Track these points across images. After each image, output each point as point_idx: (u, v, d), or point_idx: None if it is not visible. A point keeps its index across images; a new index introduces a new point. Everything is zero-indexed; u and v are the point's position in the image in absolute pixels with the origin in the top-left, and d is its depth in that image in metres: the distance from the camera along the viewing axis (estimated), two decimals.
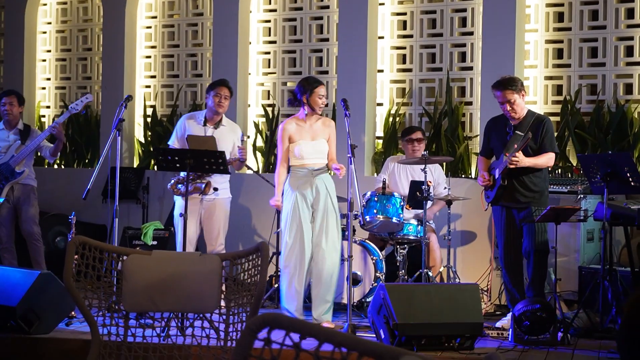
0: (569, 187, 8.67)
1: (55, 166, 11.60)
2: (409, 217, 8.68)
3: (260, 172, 10.38)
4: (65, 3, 11.87)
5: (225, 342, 4.85)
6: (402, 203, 8.44)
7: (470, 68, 9.90)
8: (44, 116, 11.90)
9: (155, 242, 9.73)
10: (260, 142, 10.66)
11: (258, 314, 4.25)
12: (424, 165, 8.30)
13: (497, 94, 7.76)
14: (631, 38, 9.35)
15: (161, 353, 4.89)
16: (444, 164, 9.47)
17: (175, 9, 11.27)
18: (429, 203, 8.64)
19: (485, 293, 8.84)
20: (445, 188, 8.93)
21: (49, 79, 11.94)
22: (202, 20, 11.13)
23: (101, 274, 4.90)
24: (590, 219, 8.14)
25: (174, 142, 8.51)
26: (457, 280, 8.78)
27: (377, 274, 8.52)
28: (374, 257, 8.57)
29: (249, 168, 10.03)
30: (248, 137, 10.64)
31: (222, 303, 5.03)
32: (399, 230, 8.56)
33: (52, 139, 9.21)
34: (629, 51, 9.38)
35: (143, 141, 11.23)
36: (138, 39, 11.36)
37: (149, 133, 11.13)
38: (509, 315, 7.46)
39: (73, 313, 7.74)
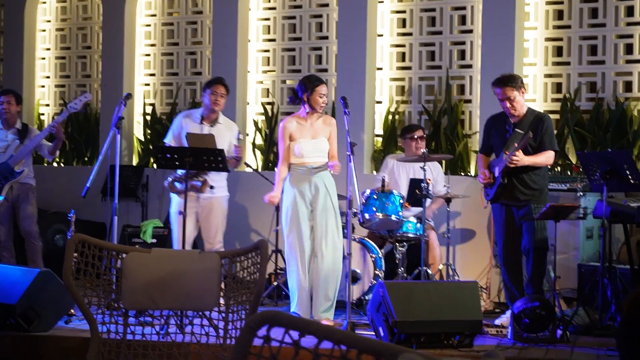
0: (568, 184, 8.67)
1: (55, 164, 11.60)
2: (408, 215, 8.68)
3: (259, 170, 10.38)
4: (64, 1, 11.86)
5: (225, 339, 4.85)
6: (401, 201, 8.43)
7: (470, 66, 9.90)
8: (43, 114, 11.90)
9: (154, 240, 9.73)
10: (259, 140, 10.66)
11: (257, 312, 4.26)
12: (423, 163, 8.30)
13: (497, 91, 7.76)
14: (631, 36, 9.35)
15: (160, 351, 4.89)
16: (443, 161, 9.47)
17: (175, 7, 11.26)
18: (428, 201, 8.63)
19: (485, 291, 8.84)
20: (444, 186, 8.93)
21: (48, 77, 11.94)
22: (201, 19, 11.12)
23: (100, 271, 4.90)
24: (589, 216, 8.15)
25: (170, 140, 8.51)
26: (456, 277, 8.78)
27: (377, 272, 8.52)
28: (373, 255, 8.58)
29: (248, 166, 10.03)
30: (247, 135, 10.65)
31: (222, 301, 5.03)
32: (398, 228, 8.56)
33: (50, 138, 9.21)
34: (629, 49, 9.38)
35: (142, 139, 11.23)
36: (137, 37, 11.35)
37: (149, 131, 11.13)
38: (508, 313, 7.47)
39: (72, 311, 7.74)
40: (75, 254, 4.78)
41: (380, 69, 10.25)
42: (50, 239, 10.53)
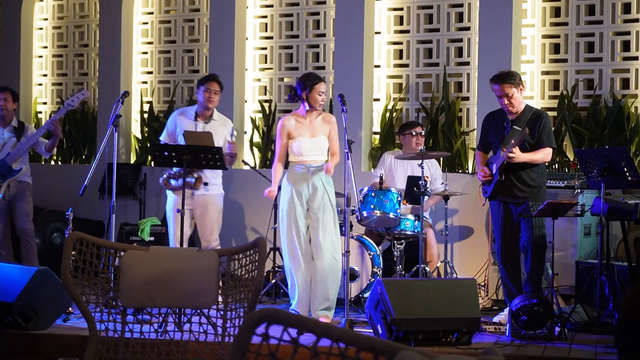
0: (566, 182, 8.67)
1: (52, 162, 11.59)
2: (406, 213, 8.68)
3: (257, 167, 10.37)
4: None
5: (223, 337, 4.85)
6: (399, 198, 8.44)
7: (467, 63, 9.90)
8: (40, 112, 11.88)
9: (152, 238, 9.73)
10: (257, 138, 10.66)
11: (255, 310, 4.26)
12: (421, 161, 8.29)
13: (495, 88, 7.76)
14: (628, 33, 9.36)
15: (159, 349, 4.89)
16: (441, 159, 9.47)
17: (172, 5, 11.25)
18: (426, 198, 8.63)
19: (483, 288, 8.85)
20: (442, 183, 8.93)
21: (45, 75, 11.93)
22: (198, 16, 11.11)
23: (98, 270, 4.90)
24: (587, 213, 8.15)
25: (164, 138, 8.52)
26: (454, 275, 8.79)
27: (375, 270, 8.52)
28: (371, 253, 8.58)
29: (245, 164, 10.03)
30: (245, 132, 10.65)
31: (220, 299, 5.03)
32: (396, 226, 8.56)
33: (47, 135, 9.21)
34: (626, 46, 9.38)
35: (140, 137, 11.22)
36: (135, 35, 11.34)
37: (146, 129, 11.12)
38: (506, 310, 7.47)
39: (70, 309, 7.74)
40: (73, 252, 4.78)
41: (378, 66, 10.25)
42: (48, 237, 10.53)
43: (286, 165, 8.04)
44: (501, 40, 9.43)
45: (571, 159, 9.22)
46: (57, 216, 10.47)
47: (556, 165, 9.24)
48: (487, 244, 9.04)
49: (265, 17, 10.79)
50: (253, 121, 10.71)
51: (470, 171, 9.61)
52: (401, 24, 10.24)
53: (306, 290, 7.83)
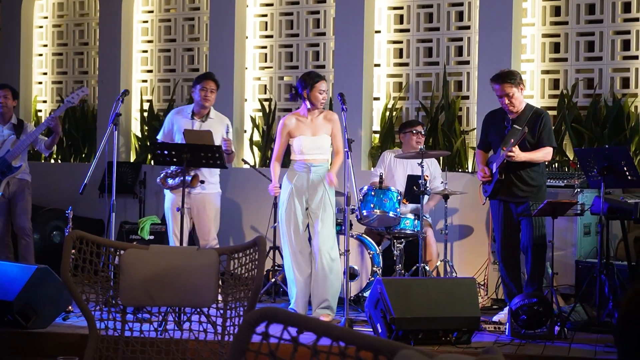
0: (565, 181, 8.67)
1: (52, 161, 11.60)
2: (405, 212, 8.68)
3: (257, 166, 10.37)
4: None
5: (223, 336, 4.85)
6: (399, 197, 8.44)
7: (467, 62, 9.90)
8: (40, 111, 11.88)
9: (152, 237, 9.73)
10: (257, 137, 10.66)
11: (255, 309, 4.26)
12: (421, 160, 8.29)
13: (495, 87, 7.75)
14: (628, 32, 9.36)
15: (158, 347, 4.89)
16: (441, 158, 9.46)
17: (172, 4, 11.25)
18: (426, 197, 8.63)
19: (482, 287, 8.85)
20: (442, 182, 8.93)
21: (45, 74, 11.93)
22: (198, 15, 11.11)
23: (98, 268, 4.89)
24: (587, 213, 8.15)
25: (161, 138, 8.52)
26: (454, 274, 8.79)
27: (374, 268, 8.52)
28: (371, 252, 8.58)
29: (245, 162, 10.03)
30: (245, 131, 10.64)
31: (220, 297, 5.03)
32: (396, 225, 8.56)
33: (47, 133, 9.21)
34: (626, 45, 9.38)
35: (140, 136, 11.22)
36: (135, 34, 11.34)
37: (146, 127, 11.12)
38: (506, 310, 7.47)
39: (70, 307, 7.74)
40: (73, 251, 4.78)
41: (378, 65, 10.25)
42: (48, 236, 10.53)
43: (288, 163, 8.05)
44: (501, 39, 9.43)
45: (571, 158, 9.22)
46: (57, 214, 10.48)
47: (556, 164, 9.24)
48: (487, 243, 9.04)
49: (265, 15, 10.79)
50: (253, 120, 10.71)
51: (470, 170, 9.61)
52: (401, 22, 10.24)
53: (304, 289, 7.84)
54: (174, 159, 7.68)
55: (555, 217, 7.48)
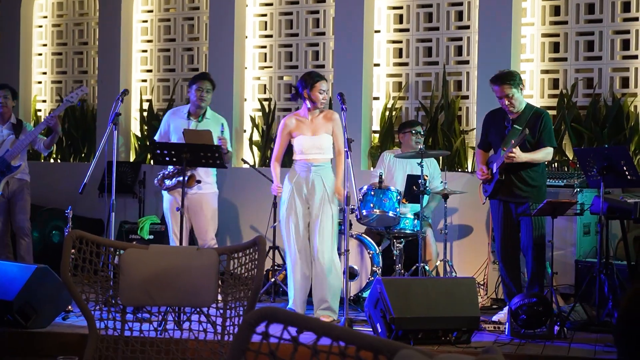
0: (565, 180, 8.67)
1: (52, 160, 11.60)
2: (405, 211, 8.68)
3: (256, 166, 10.37)
4: None
5: (223, 336, 4.85)
6: (398, 197, 8.43)
7: (467, 62, 9.90)
8: (40, 110, 11.88)
9: (151, 237, 9.73)
10: (256, 136, 10.65)
11: (255, 308, 4.26)
12: (420, 160, 8.29)
13: (495, 89, 7.75)
14: (627, 31, 9.36)
15: (158, 347, 4.89)
16: (440, 158, 9.47)
17: (172, 3, 11.25)
18: (426, 198, 8.63)
19: (482, 287, 8.85)
20: (441, 182, 8.93)
21: (45, 73, 11.93)
22: (198, 14, 11.11)
23: (98, 268, 4.89)
24: (586, 212, 8.15)
25: (158, 138, 8.53)
26: (453, 274, 8.78)
27: (374, 268, 8.52)
28: (371, 251, 8.58)
29: (245, 162, 10.03)
30: (244, 131, 10.64)
31: (219, 297, 5.03)
32: (396, 225, 8.55)
33: (47, 132, 9.21)
34: (626, 45, 9.39)
35: (139, 135, 11.22)
36: (134, 33, 11.34)
37: (145, 127, 11.12)
38: (506, 309, 7.47)
39: (70, 307, 7.74)
40: (73, 250, 4.77)
41: (377, 65, 10.25)
42: (47, 236, 10.53)
43: (289, 164, 8.05)
44: (501, 39, 9.43)
45: (570, 158, 9.22)
46: (56, 214, 10.47)
47: (555, 164, 9.24)
48: (487, 242, 9.04)
49: (265, 15, 10.79)
50: (252, 120, 10.71)
51: (469, 170, 9.62)
52: (401, 22, 10.24)
53: (302, 289, 7.84)
54: (174, 159, 7.68)
55: (555, 216, 7.48)
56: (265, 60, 10.79)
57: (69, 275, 4.71)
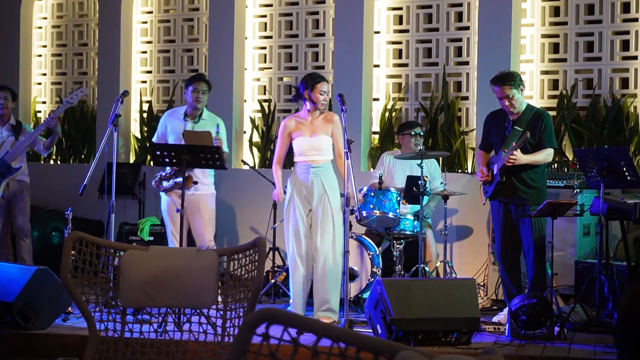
0: (565, 181, 8.67)
1: (51, 162, 11.60)
2: (405, 212, 8.68)
3: (256, 167, 10.37)
4: None
5: (223, 337, 4.85)
6: (398, 198, 8.43)
7: (467, 63, 9.90)
8: (39, 111, 11.88)
9: (151, 238, 9.74)
10: (256, 138, 10.65)
11: (255, 310, 4.26)
12: (420, 160, 8.29)
13: (495, 89, 7.74)
14: (627, 32, 9.36)
15: (158, 348, 4.89)
16: (440, 158, 9.46)
17: (171, 4, 11.25)
18: (426, 198, 8.62)
19: (482, 288, 8.85)
20: (441, 183, 8.93)
21: (44, 75, 11.92)
22: (197, 16, 11.11)
23: (98, 269, 4.89)
24: (586, 213, 8.14)
25: (155, 140, 8.53)
26: (453, 275, 8.78)
27: (374, 269, 8.52)
28: (371, 253, 8.58)
29: (245, 163, 10.03)
30: (244, 132, 10.64)
31: (219, 299, 5.03)
32: (396, 226, 8.55)
33: (46, 133, 9.21)
34: (625, 45, 9.39)
35: (139, 137, 11.22)
36: (134, 34, 11.34)
37: (145, 128, 11.12)
38: (506, 310, 7.47)
39: (70, 309, 7.74)
40: (73, 252, 4.78)
41: (377, 66, 10.25)
42: (47, 237, 10.53)
43: (291, 165, 8.07)
44: (500, 39, 9.43)
45: (570, 159, 9.22)
46: (56, 216, 10.47)
47: (555, 165, 9.24)
48: (487, 243, 9.04)
49: (265, 16, 10.79)
50: (252, 121, 10.71)
51: (469, 171, 9.62)
52: (400, 23, 10.24)
53: (302, 291, 7.84)
54: (174, 160, 7.69)
55: (555, 217, 7.48)
56: (265, 62, 10.79)
57: (69, 276, 4.71)
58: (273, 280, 8.97)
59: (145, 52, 11.37)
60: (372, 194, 8.40)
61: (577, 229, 8.61)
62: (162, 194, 8.42)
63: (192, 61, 11.14)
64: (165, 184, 8.29)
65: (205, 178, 8.41)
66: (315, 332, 2.49)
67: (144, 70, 11.38)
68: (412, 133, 9.02)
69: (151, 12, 11.33)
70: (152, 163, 10.64)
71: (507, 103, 7.69)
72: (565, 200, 7.93)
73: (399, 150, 9.31)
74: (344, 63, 10.07)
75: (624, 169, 7.42)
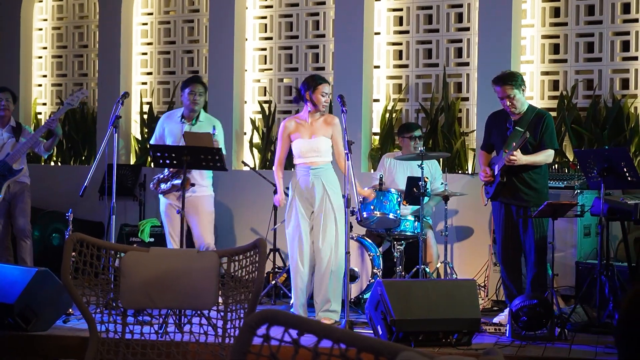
0: (565, 182, 8.67)
1: (52, 163, 11.60)
2: (406, 213, 8.68)
3: (256, 168, 10.37)
4: (61, 0, 11.84)
5: (223, 338, 4.85)
6: (399, 199, 8.43)
7: (467, 64, 9.91)
8: (40, 113, 11.88)
9: (152, 239, 9.74)
10: (256, 139, 10.66)
11: (256, 311, 4.25)
12: (421, 161, 8.29)
13: (496, 89, 7.74)
14: (627, 33, 9.36)
15: (159, 350, 4.89)
16: (441, 159, 9.46)
17: (171, 6, 11.26)
18: (426, 199, 8.63)
19: (483, 289, 8.85)
20: (442, 184, 8.93)
21: (45, 76, 11.92)
22: (198, 17, 11.11)
23: (99, 271, 4.90)
24: (587, 214, 8.14)
25: (153, 143, 8.54)
26: (454, 276, 8.78)
27: (375, 270, 8.52)
28: (371, 254, 8.58)
29: (245, 165, 10.03)
30: (245, 133, 10.64)
31: (220, 300, 5.03)
32: (396, 227, 8.55)
33: (46, 135, 9.21)
34: (625, 46, 9.39)
35: (140, 138, 11.22)
36: (134, 36, 11.34)
37: (146, 130, 11.12)
38: (506, 311, 7.47)
39: (71, 310, 7.74)
40: (74, 253, 4.78)
41: (378, 67, 10.25)
42: (48, 238, 10.53)
43: (291, 166, 8.07)
44: (501, 40, 9.43)
45: (571, 160, 9.22)
46: (57, 217, 10.47)
47: (556, 165, 9.24)
48: (487, 244, 9.04)
49: (265, 17, 10.79)
50: (253, 122, 10.71)
51: (470, 172, 9.62)
52: (401, 24, 10.24)
53: (303, 292, 7.83)
54: (174, 162, 7.69)
55: (555, 218, 7.48)
56: (265, 63, 10.79)
57: (69, 278, 4.71)
58: (274, 282, 8.97)
59: (145, 53, 11.38)
60: (369, 199, 8.39)
61: (578, 229, 8.61)
62: (160, 196, 8.43)
63: (192, 62, 11.14)
64: (163, 186, 8.30)
65: (202, 180, 8.42)
66: (316, 333, 2.49)
67: (145, 72, 11.38)
68: (412, 136, 9.03)
69: (151, 14, 11.33)
70: (152, 165, 10.65)
71: (508, 103, 7.69)
72: (565, 201, 7.93)
73: (399, 151, 9.31)
74: (344, 64, 10.07)
75: (625, 169, 7.42)
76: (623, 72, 9.40)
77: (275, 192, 8.29)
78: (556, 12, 9.65)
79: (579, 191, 8.50)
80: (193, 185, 8.16)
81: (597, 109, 9.29)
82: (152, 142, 8.60)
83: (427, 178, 8.51)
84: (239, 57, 10.65)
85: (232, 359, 2.63)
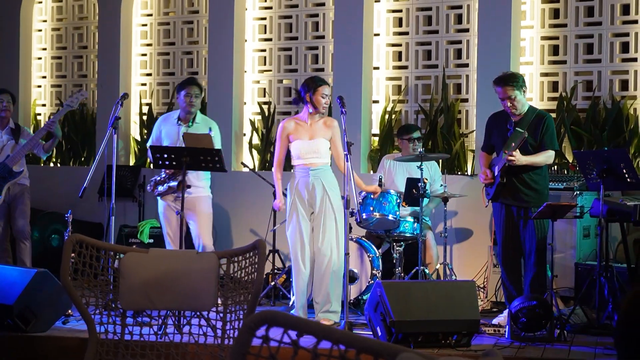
0: (565, 183, 8.68)
1: (51, 164, 11.59)
2: (405, 214, 8.68)
3: (256, 169, 10.37)
4: (60, 1, 11.84)
5: (223, 340, 4.85)
6: (398, 200, 8.43)
7: (466, 65, 9.91)
8: (39, 114, 11.88)
9: (151, 240, 9.74)
10: (256, 140, 10.66)
11: (255, 312, 4.25)
12: (420, 163, 8.29)
13: (497, 90, 7.74)
14: (627, 34, 9.36)
15: (158, 351, 4.89)
16: (440, 161, 9.47)
17: (171, 7, 11.26)
18: (426, 201, 8.63)
19: (482, 290, 8.85)
20: (441, 185, 8.94)
21: (44, 77, 11.92)
22: (197, 18, 11.11)
23: (98, 272, 4.90)
24: (586, 215, 8.15)
25: (151, 144, 8.55)
26: (453, 277, 8.78)
27: (374, 272, 8.52)
28: (371, 255, 8.58)
29: (245, 166, 10.03)
30: (244, 134, 10.64)
31: (219, 301, 5.03)
32: (396, 228, 8.56)
33: (46, 136, 9.21)
34: (625, 47, 9.39)
35: (139, 139, 11.22)
36: (134, 37, 11.34)
37: (145, 131, 11.11)
38: (506, 312, 7.47)
39: (70, 311, 7.74)
40: (73, 254, 4.78)
41: (377, 68, 10.25)
42: (47, 239, 10.52)
43: (290, 168, 8.07)
44: (500, 41, 9.43)
45: (570, 161, 9.22)
46: (56, 218, 10.47)
47: (555, 167, 9.24)
48: (487, 245, 9.04)
49: (264, 19, 10.79)
50: (252, 123, 10.71)
51: (469, 173, 9.62)
52: (400, 25, 10.24)
53: (303, 294, 7.83)
54: (174, 163, 7.69)
55: (555, 219, 7.48)
56: (265, 64, 10.79)
57: (69, 279, 4.71)
58: (273, 283, 8.97)
59: (145, 54, 11.38)
60: (372, 196, 8.40)
61: (577, 231, 8.61)
62: (158, 198, 8.44)
63: (191, 64, 11.14)
64: (160, 188, 8.30)
65: (199, 181, 8.42)
66: (315, 335, 2.49)
67: (144, 73, 11.38)
68: (411, 139, 9.03)
69: (151, 15, 11.34)
70: (152, 166, 10.64)
71: (509, 104, 7.68)
72: (565, 202, 7.93)
73: (399, 152, 9.32)
74: (344, 65, 10.07)
75: (624, 170, 7.42)
76: (622, 74, 9.41)
77: (275, 195, 8.28)
78: (555, 13, 9.66)
79: (578, 192, 8.51)
80: (189, 187, 8.16)
81: (597, 110, 9.29)
82: (149, 144, 8.61)
83: (427, 179, 8.51)
84: (238, 58, 10.65)
85: None
